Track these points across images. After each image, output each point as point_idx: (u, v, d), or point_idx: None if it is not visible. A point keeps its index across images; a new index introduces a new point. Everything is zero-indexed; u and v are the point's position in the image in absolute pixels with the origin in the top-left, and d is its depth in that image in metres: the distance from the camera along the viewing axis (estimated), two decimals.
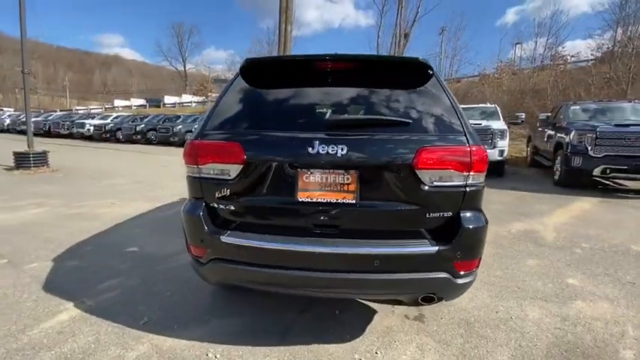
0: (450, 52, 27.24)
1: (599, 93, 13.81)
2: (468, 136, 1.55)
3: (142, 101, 50.75)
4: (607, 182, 6.80)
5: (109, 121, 19.63)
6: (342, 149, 1.50)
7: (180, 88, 56.87)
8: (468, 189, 1.54)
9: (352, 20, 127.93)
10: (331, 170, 1.54)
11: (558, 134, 6.91)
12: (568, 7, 48.48)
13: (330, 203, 1.55)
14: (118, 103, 49.99)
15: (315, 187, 1.55)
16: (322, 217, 1.57)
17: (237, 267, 1.60)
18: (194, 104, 38.36)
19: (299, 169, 1.56)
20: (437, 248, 1.49)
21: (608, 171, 5.75)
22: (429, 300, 1.62)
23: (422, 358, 1.77)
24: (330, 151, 1.50)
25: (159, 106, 42.41)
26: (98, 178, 6.89)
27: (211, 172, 1.64)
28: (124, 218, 4.15)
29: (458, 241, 1.50)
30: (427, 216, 1.55)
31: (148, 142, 16.14)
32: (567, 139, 6.27)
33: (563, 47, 21.39)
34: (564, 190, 6.19)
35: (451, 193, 1.53)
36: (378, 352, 1.81)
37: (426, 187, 1.52)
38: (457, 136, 1.55)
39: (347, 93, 1.76)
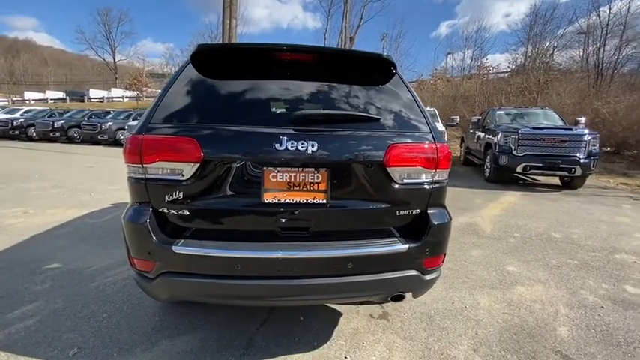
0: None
1: (516, 100, 15.77)
2: (433, 134, 1.57)
3: (60, 94, 44.57)
4: (525, 178, 7.75)
5: (17, 115, 16.81)
6: (312, 146, 1.40)
7: (110, 82, 51.24)
8: (434, 186, 1.56)
9: (300, 21, 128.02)
10: (300, 169, 1.44)
11: (487, 136, 7.69)
12: (490, 25, 54.71)
13: (300, 204, 1.44)
14: (29, 95, 43.24)
15: (283, 187, 1.44)
16: (290, 220, 1.46)
17: (193, 280, 1.40)
18: (126, 99, 34.72)
19: (264, 168, 1.43)
20: (407, 246, 1.48)
21: (527, 168, 6.57)
22: (398, 298, 1.61)
23: (390, 357, 1.77)
24: (300, 148, 1.40)
25: (83, 100, 37.59)
26: (6, 182, 5.79)
27: (160, 172, 1.42)
28: (41, 229, 3.52)
29: (427, 237, 1.52)
30: (397, 214, 1.54)
31: (70, 140, 14.17)
32: (495, 140, 7.01)
33: (486, 59, 24.01)
34: (494, 185, 6.89)
35: (419, 190, 1.54)
36: (348, 356, 1.76)
37: (396, 185, 1.51)
38: (424, 134, 1.57)
39: (310, 87, 1.65)
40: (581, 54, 18.35)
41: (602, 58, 16.89)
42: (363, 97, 1.64)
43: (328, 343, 1.86)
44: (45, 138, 14.48)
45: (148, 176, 1.42)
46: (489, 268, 2.93)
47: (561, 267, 2.99)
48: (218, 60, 1.63)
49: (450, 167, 1.60)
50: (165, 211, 1.44)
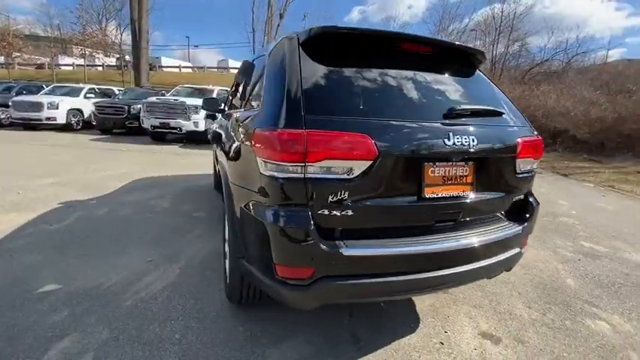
0: None
1: None
2: (530, 126, 1.79)
3: None
4: None
5: None
6: (472, 140, 1.46)
7: None
8: (533, 173, 1.79)
9: None
10: (454, 163, 1.48)
11: None
12: (397, 15, 59.16)
13: (452, 197, 1.49)
14: None
15: (439, 182, 1.46)
16: (444, 213, 1.50)
17: (358, 282, 1.34)
18: None
19: (425, 163, 1.42)
20: (521, 227, 1.69)
21: None
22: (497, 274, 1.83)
23: (479, 323, 2.00)
24: (464, 143, 1.44)
25: None
26: None
27: (326, 171, 1.28)
28: None
29: (530, 219, 1.75)
30: (512, 200, 1.72)
31: None
32: None
33: None
34: None
35: (528, 177, 1.75)
36: (446, 330, 1.93)
37: (518, 175, 1.68)
38: (529, 127, 1.77)
39: (435, 78, 1.67)
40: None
41: (495, 54, 20.28)
42: (475, 89, 1.74)
43: (422, 322, 1.99)
44: None
45: (308, 176, 1.26)
46: None
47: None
48: (348, 45, 1.52)
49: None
50: (326, 212, 1.31)
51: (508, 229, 1.66)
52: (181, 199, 4.29)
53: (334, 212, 1.32)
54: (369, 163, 1.30)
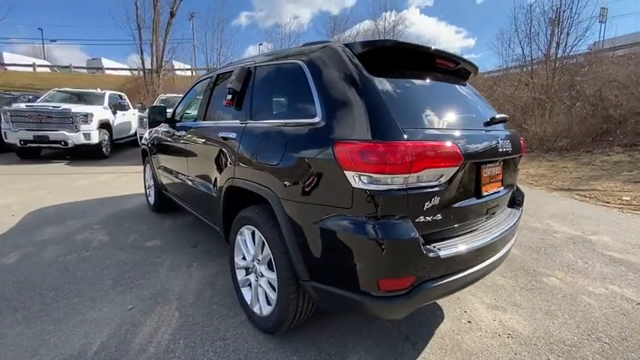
0: (215, 44, 27.07)
1: None
2: None
3: None
4: None
5: None
6: (506, 143, 1.75)
7: None
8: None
9: None
10: (496, 164, 1.74)
11: None
12: (285, 23, 61.18)
13: (494, 193, 1.74)
14: None
15: (487, 181, 1.67)
16: (490, 208, 1.73)
17: (448, 281, 1.43)
18: None
19: (482, 165, 1.62)
20: (520, 210, 2.12)
21: None
22: None
23: (481, 298, 2.34)
24: (503, 146, 1.71)
25: None
26: None
27: (421, 180, 1.33)
28: None
29: (522, 203, 2.21)
30: (514, 190, 2.12)
31: None
32: None
33: None
34: None
35: (518, 171, 2.20)
36: (466, 311, 2.20)
37: (518, 169, 2.09)
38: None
39: (465, 91, 1.97)
40: None
41: None
42: (476, 97, 2.06)
43: (445, 309, 2.21)
44: None
45: (409, 185, 1.29)
46: None
47: None
48: (400, 58, 1.61)
49: None
50: (422, 219, 1.35)
51: (515, 215, 2.03)
52: (118, 229, 3.54)
53: (427, 218, 1.39)
54: (456, 169, 1.43)
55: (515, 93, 11.92)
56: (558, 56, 10.98)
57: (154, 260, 2.81)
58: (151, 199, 4.20)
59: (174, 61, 23.57)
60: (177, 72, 24.67)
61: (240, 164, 1.95)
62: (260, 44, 30.81)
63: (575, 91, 10.09)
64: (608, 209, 4.72)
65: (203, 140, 2.55)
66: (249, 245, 1.96)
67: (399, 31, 23.92)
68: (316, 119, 1.53)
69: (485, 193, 1.68)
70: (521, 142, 2.05)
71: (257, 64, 2.15)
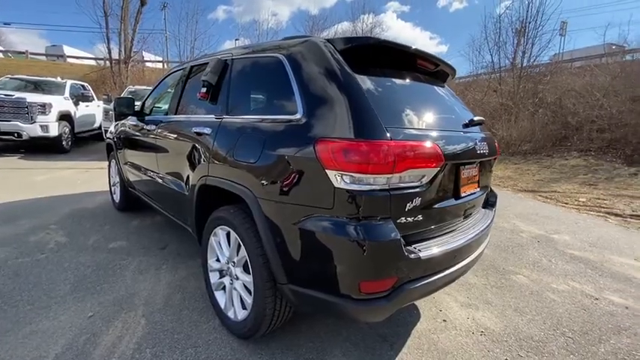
0: (189, 36, 26.02)
1: None
2: None
3: None
4: None
5: None
6: (484, 144, 1.77)
7: None
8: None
9: None
10: (474, 165, 1.76)
11: None
12: (262, 20, 60.47)
13: (471, 194, 1.76)
14: None
15: (465, 182, 1.68)
16: (467, 209, 1.74)
17: (427, 282, 1.42)
18: None
19: (461, 166, 1.62)
20: (493, 210, 2.16)
21: None
22: None
23: (455, 297, 2.39)
24: (481, 147, 1.73)
25: None
26: None
27: (404, 180, 1.30)
28: None
29: (495, 203, 2.25)
30: (488, 191, 2.17)
31: None
32: None
33: None
34: None
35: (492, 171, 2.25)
36: (440, 309, 2.24)
37: (492, 170, 2.12)
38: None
39: (444, 92, 1.97)
40: None
41: None
42: (454, 99, 2.08)
43: (421, 309, 2.23)
44: None
45: (392, 186, 1.27)
46: None
47: None
48: (381, 57, 1.58)
49: None
50: (403, 220, 1.33)
51: (489, 216, 2.09)
52: (79, 229, 3.29)
53: (409, 219, 1.37)
54: (437, 170, 1.42)
55: (485, 98, 12.45)
56: (523, 65, 11.61)
57: (119, 263, 2.63)
58: (116, 197, 3.95)
59: (144, 52, 22.47)
60: (148, 64, 23.43)
61: (215, 161, 1.85)
62: (237, 39, 30.21)
63: (538, 98, 10.70)
64: (567, 210, 5.03)
65: (175, 135, 2.41)
66: (223, 247, 1.86)
67: (376, 33, 24.29)
68: (297, 116, 1.47)
69: (463, 194, 1.69)
70: (496, 144, 2.10)
71: (234, 57, 2.05)
